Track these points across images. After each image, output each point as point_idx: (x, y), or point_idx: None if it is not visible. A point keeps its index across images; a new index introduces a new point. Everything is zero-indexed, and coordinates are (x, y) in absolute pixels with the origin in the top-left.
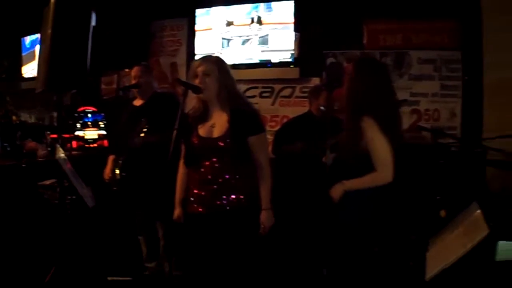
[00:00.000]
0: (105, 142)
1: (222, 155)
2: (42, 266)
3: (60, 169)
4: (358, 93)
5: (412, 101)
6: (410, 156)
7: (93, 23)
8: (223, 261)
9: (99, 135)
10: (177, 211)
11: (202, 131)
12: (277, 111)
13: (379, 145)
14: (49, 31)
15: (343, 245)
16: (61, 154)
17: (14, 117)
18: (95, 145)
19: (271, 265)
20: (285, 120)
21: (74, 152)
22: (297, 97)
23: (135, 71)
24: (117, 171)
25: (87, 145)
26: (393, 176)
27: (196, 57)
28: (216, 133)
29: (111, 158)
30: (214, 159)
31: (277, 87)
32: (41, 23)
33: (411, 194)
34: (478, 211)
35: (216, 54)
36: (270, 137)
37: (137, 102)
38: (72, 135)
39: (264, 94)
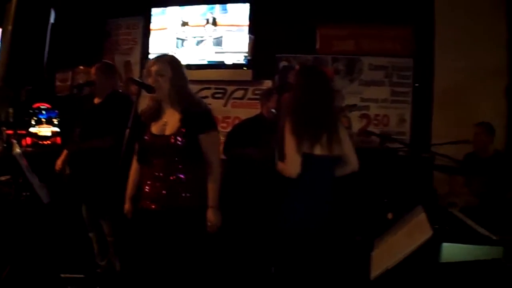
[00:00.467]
0: (58, 140)
1: (173, 153)
2: None
3: (17, 165)
4: (290, 98)
5: (362, 106)
6: (359, 160)
7: (52, 20)
8: (170, 258)
9: (52, 132)
10: (126, 206)
11: (154, 128)
12: (229, 113)
13: (287, 145)
14: (10, 27)
15: (292, 246)
16: (17, 150)
17: None
18: (49, 142)
19: (219, 263)
20: (237, 121)
21: (28, 149)
22: (249, 99)
23: (93, 69)
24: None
25: (40, 142)
26: (295, 174)
27: (150, 56)
28: (168, 131)
29: (65, 151)
30: (166, 157)
31: (230, 88)
32: (2, 19)
33: (359, 197)
34: (423, 213)
35: (170, 53)
36: (221, 138)
37: (96, 100)
38: (26, 131)
39: (217, 95)
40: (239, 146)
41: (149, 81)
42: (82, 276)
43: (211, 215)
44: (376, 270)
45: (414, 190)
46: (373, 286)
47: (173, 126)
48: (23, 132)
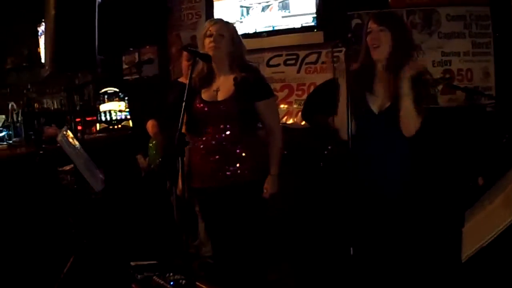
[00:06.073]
0: (129, 123)
1: (226, 121)
2: (63, 254)
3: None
4: None
5: (444, 61)
6: (444, 120)
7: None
8: (231, 236)
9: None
10: (180, 186)
11: (205, 95)
12: (304, 79)
13: None
14: (53, 11)
15: (379, 222)
16: (63, 136)
17: (36, 105)
18: (119, 126)
19: (294, 245)
20: (312, 88)
21: (99, 135)
22: (323, 62)
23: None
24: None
25: (111, 127)
26: None
27: None
28: (221, 96)
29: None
30: (218, 126)
31: (302, 53)
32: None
33: (447, 163)
34: None
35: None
36: (299, 107)
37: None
38: (95, 117)
39: (289, 62)
40: (319, 112)
41: (208, 41)
42: (154, 262)
43: (269, 183)
44: (468, 249)
45: (507, 150)
46: (464, 268)
47: (227, 92)
48: (93, 118)
